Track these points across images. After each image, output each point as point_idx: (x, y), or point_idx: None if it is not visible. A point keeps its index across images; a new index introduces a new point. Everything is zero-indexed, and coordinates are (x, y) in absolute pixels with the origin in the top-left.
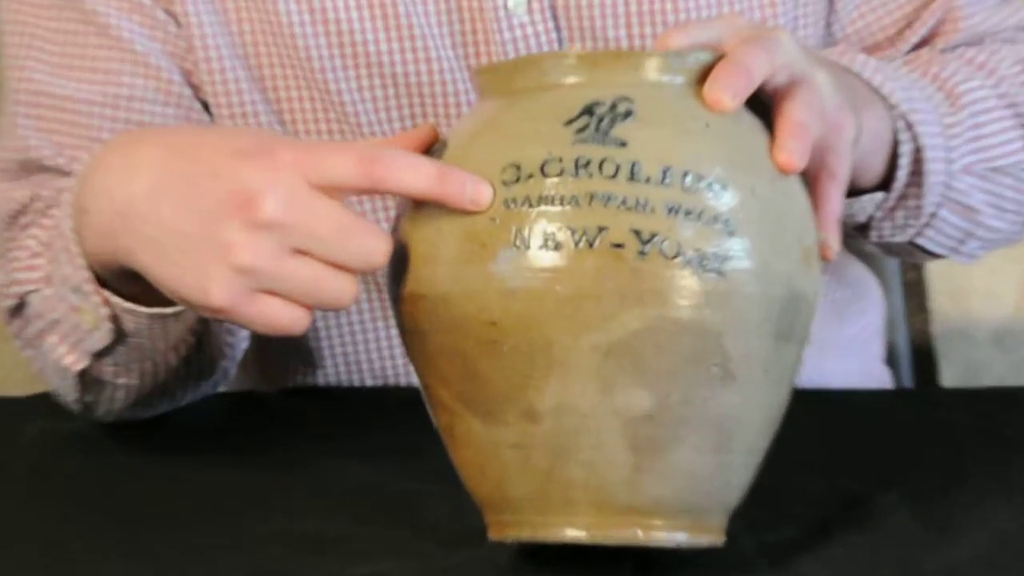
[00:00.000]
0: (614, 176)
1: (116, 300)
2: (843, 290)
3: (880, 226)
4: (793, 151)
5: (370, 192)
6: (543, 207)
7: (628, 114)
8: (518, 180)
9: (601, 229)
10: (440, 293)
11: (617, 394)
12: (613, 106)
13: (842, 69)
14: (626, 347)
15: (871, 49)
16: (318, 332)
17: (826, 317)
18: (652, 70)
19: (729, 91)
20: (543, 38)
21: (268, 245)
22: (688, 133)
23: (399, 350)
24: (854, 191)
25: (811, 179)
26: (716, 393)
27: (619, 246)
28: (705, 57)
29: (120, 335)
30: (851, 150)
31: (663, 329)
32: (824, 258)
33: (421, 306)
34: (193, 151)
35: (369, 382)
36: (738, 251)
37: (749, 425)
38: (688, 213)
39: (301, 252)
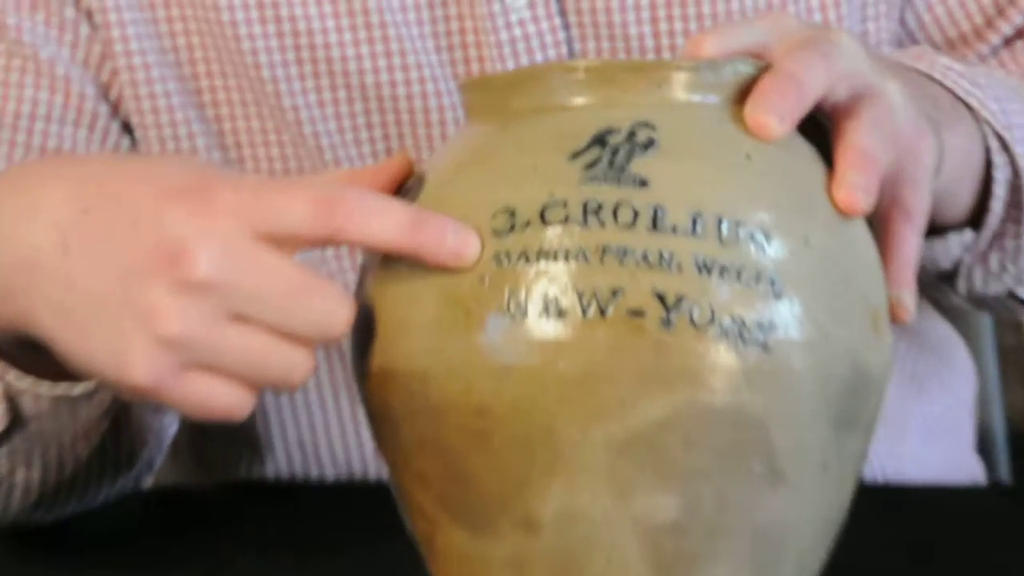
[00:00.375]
0: (632, 224)
1: (12, 376)
2: (924, 359)
3: (970, 274)
4: (856, 187)
5: (329, 243)
6: (543, 263)
7: (649, 144)
8: (512, 229)
9: (615, 292)
10: (416, 371)
11: (636, 499)
12: (631, 134)
13: (919, 76)
14: (647, 440)
15: (953, 44)
16: (267, 414)
17: (902, 393)
18: (680, 87)
19: (776, 113)
20: (548, 38)
21: (201, 311)
22: (724, 168)
23: (367, 437)
24: (936, 229)
25: (881, 219)
26: (760, 496)
27: (638, 313)
28: (746, 69)
29: (17, 419)
30: (931, 180)
31: (693, 417)
32: (897, 321)
33: (392, 386)
34: (109, 190)
35: (331, 476)
36: (788, 318)
37: (801, 535)
38: (724, 271)
39: (243, 319)
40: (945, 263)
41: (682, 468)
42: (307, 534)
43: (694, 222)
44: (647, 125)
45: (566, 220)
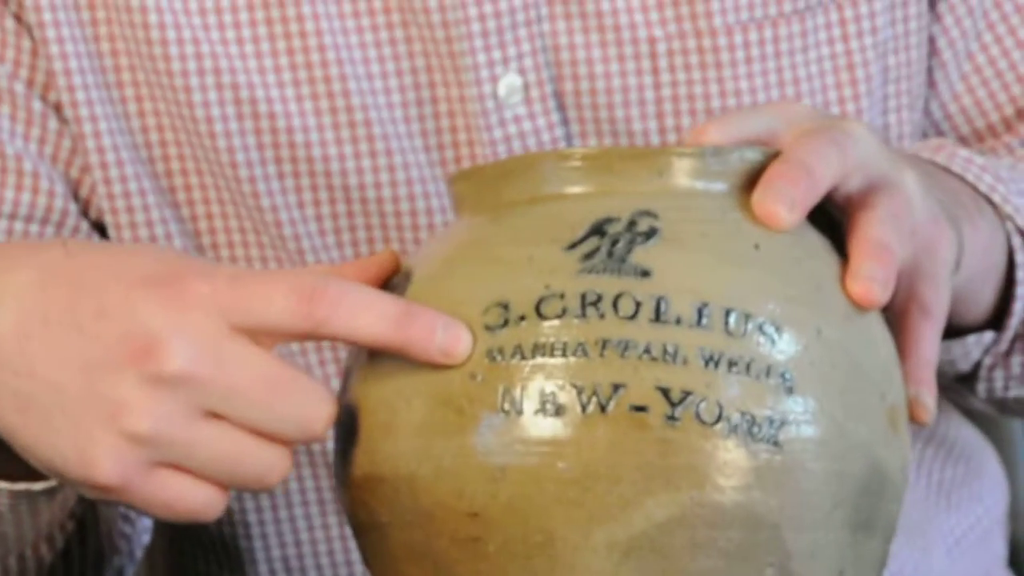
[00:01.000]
0: (633, 317)
1: None
2: (951, 467)
3: (991, 376)
4: (873, 280)
5: (310, 338)
6: (539, 359)
7: (651, 234)
8: (506, 324)
9: (617, 387)
10: (404, 475)
11: None
12: (631, 224)
13: (937, 170)
14: (652, 544)
15: (981, 136)
16: (250, 528)
17: (929, 503)
18: (683, 174)
19: (786, 201)
20: (545, 135)
21: (173, 407)
22: (731, 258)
23: (356, 554)
24: (955, 330)
25: (897, 316)
26: None
27: (641, 409)
28: (753, 156)
29: None
30: (950, 276)
31: (701, 519)
32: (916, 420)
33: (379, 492)
34: (77, 277)
35: None
36: (800, 414)
37: None
38: (733, 364)
39: (217, 415)
40: (964, 365)
41: (689, 571)
42: None
43: (699, 314)
44: (648, 214)
45: (563, 313)
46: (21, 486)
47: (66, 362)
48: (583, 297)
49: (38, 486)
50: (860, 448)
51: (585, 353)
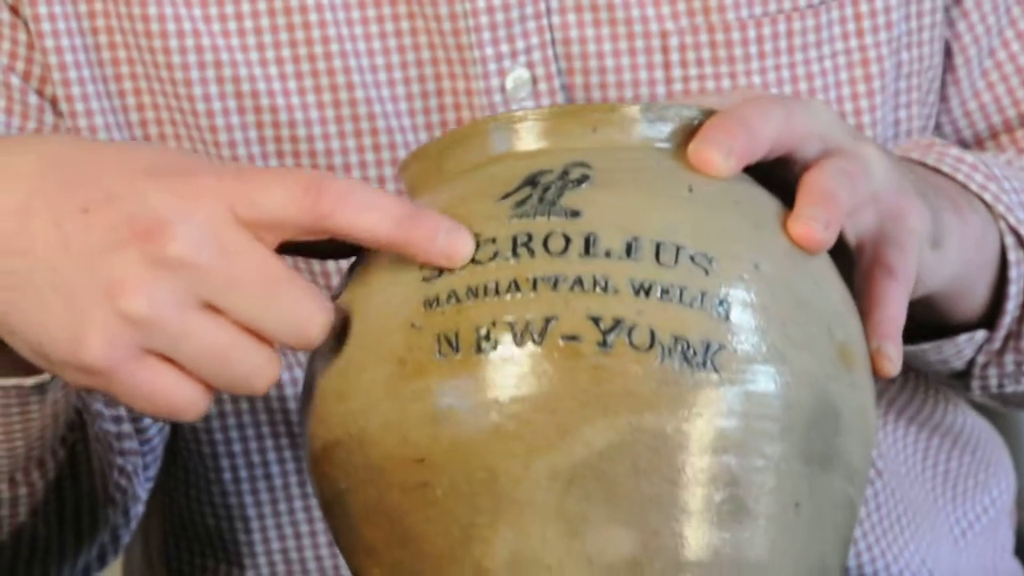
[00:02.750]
0: (563, 252)
1: None
2: (958, 457)
3: (984, 374)
4: (813, 219)
5: (314, 232)
6: (472, 300)
7: (583, 180)
8: (441, 273)
9: (549, 320)
10: (355, 435)
11: (588, 535)
12: (564, 173)
13: (925, 169)
14: (595, 471)
15: (996, 132)
16: (248, 520)
17: (935, 493)
18: (617, 131)
19: (722, 149)
20: None
21: (172, 291)
22: (663, 198)
23: None
24: (949, 327)
25: (861, 278)
26: (727, 532)
27: (573, 338)
28: (690, 113)
29: None
30: (918, 244)
31: (641, 444)
32: (881, 373)
33: (336, 459)
34: (85, 166)
35: None
36: (738, 339)
37: None
38: (665, 292)
39: (213, 307)
40: (958, 363)
41: (634, 498)
42: None
43: (629, 247)
44: (581, 164)
45: (495, 256)
46: (11, 381)
47: (67, 242)
48: (514, 239)
49: (29, 381)
50: (806, 377)
51: (518, 289)
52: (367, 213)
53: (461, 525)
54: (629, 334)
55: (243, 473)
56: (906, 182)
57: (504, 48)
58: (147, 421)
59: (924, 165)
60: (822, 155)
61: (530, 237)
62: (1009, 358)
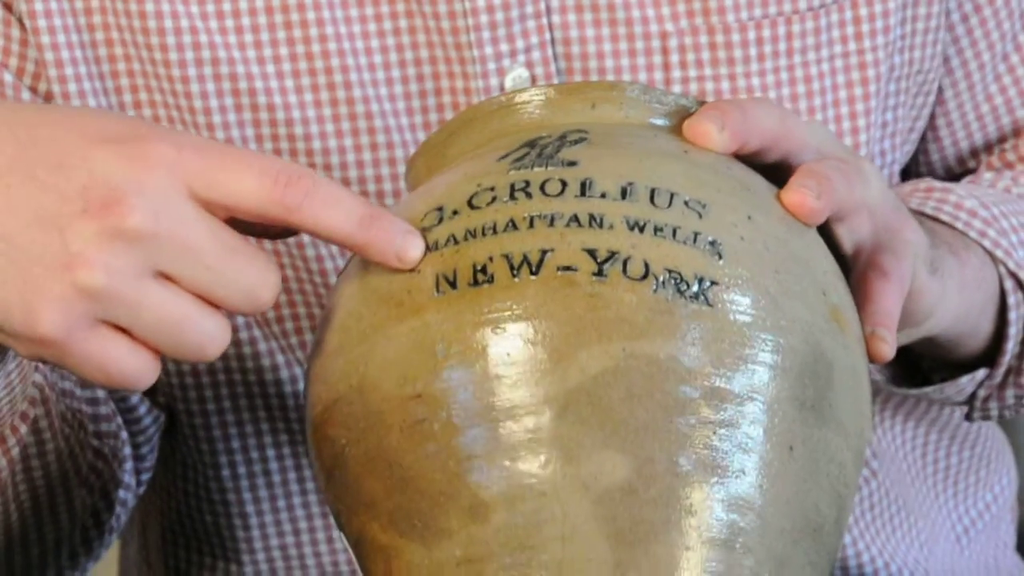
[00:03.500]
0: (560, 194)
1: None
2: (957, 453)
3: (985, 407)
4: (806, 188)
5: (275, 223)
6: (470, 241)
7: (580, 140)
8: (440, 221)
9: (545, 252)
10: (354, 384)
11: (583, 461)
12: (562, 136)
13: (923, 217)
14: (589, 396)
15: (1004, 136)
16: (247, 517)
17: (937, 492)
18: (615, 108)
19: (716, 122)
20: None
21: (128, 263)
22: (658, 155)
23: None
24: (953, 364)
25: (857, 280)
26: (720, 463)
27: (569, 269)
28: (688, 103)
29: None
30: (912, 253)
31: (635, 370)
32: (877, 357)
33: (337, 415)
34: (32, 130)
35: None
36: (730, 277)
37: (768, 522)
38: (659, 230)
39: (168, 277)
40: (959, 399)
41: (628, 424)
42: None
43: (624, 191)
44: (579, 131)
45: (493, 200)
46: None
47: (18, 211)
48: (512, 186)
49: None
50: (798, 324)
51: (515, 227)
52: (331, 211)
53: (458, 459)
54: (624, 265)
55: (242, 470)
56: (901, 204)
57: (503, 47)
58: (135, 401)
59: (923, 214)
60: (819, 158)
61: (527, 183)
62: (1009, 392)
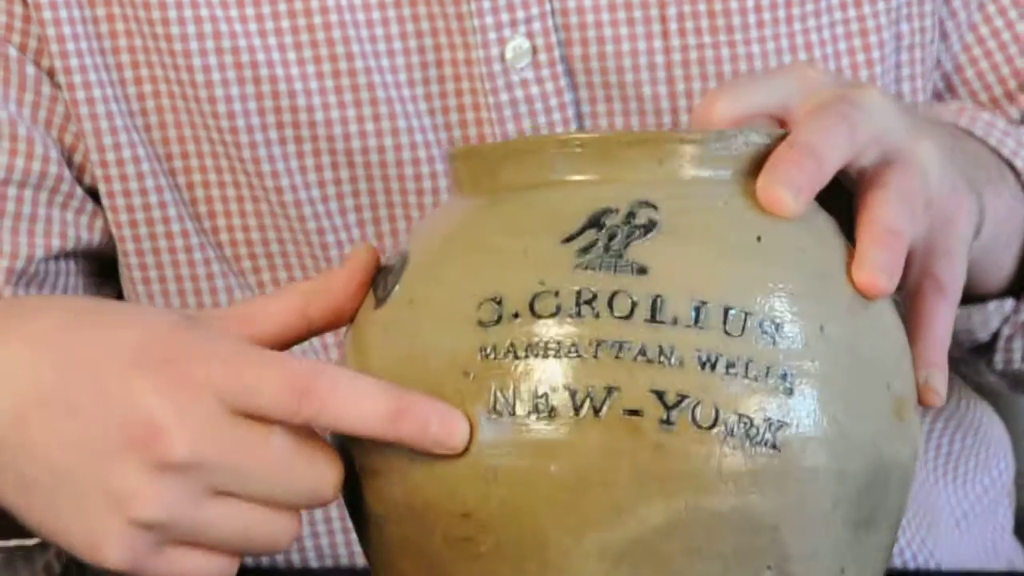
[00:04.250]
0: (628, 317)
1: None
2: (960, 439)
3: (1009, 347)
4: (879, 269)
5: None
6: (532, 359)
7: (650, 227)
8: (499, 320)
9: (611, 390)
10: (397, 472)
11: None
12: (629, 215)
13: (959, 132)
14: (646, 549)
15: (996, 103)
16: None
17: (936, 475)
18: (685, 163)
19: (791, 188)
20: (553, 100)
21: (180, 492)
22: (732, 252)
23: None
24: (972, 297)
25: (911, 294)
26: None
27: (635, 413)
28: (758, 139)
29: None
30: (966, 249)
31: (697, 523)
32: (926, 403)
33: (374, 486)
34: (69, 354)
35: (315, 566)
36: (800, 415)
37: None
38: (731, 366)
39: (225, 493)
40: (983, 334)
41: (684, 575)
42: None
43: (697, 312)
44: (647, 205)
45: (557, 311)
46: (13, 543)
47: (66, 445)
48: (578, 295)
49: (32, 540)
50: (863, 446)
51: (579, 354)
52: (354, 413)
53: None
54: (693, 411)
55: None
56: (957, 175)
57: (504, 17)
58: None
59: (957, 128)
60: (880, 164)
61: (595, 296)
62: None
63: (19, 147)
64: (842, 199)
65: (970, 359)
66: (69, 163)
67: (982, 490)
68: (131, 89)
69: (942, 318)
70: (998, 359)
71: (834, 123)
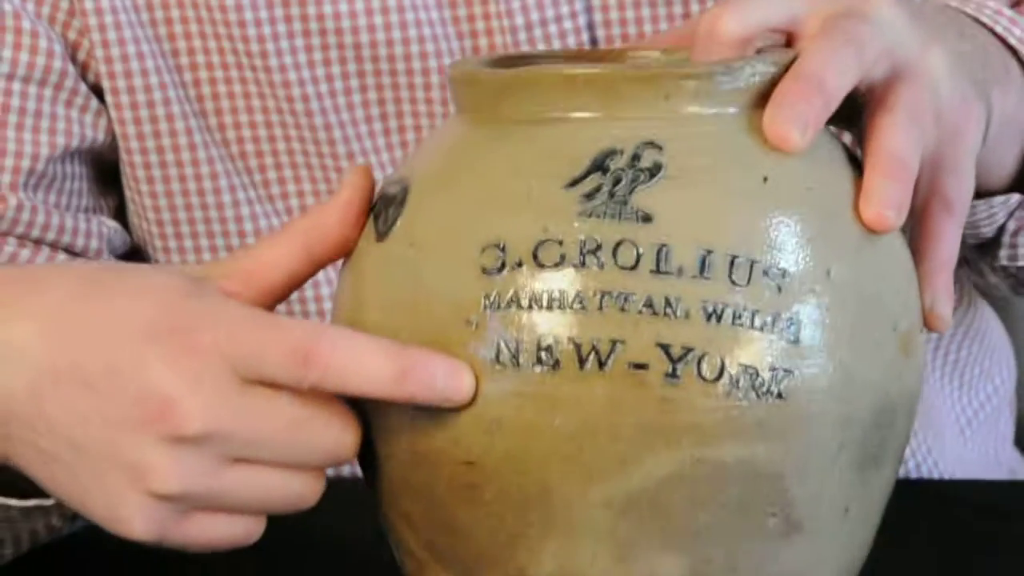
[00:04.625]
0: (634, 267)
1: None
2: (967, 346)
3: (1014, 242)
4: (886, 204)
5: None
6: (536, 310)
7: (655, 171)
8: (502, 268)
9: (615, 343)
10: (399, 416)
11: (639, 560)
12: (635, 158)
13: (966, 21)
14: (651, 499)
15: None
16: None
17: (944, 384)
18: (691, 99)
19: (799, 123)
20: (567, 24)
21: (198, 462)
22: (738, 196)
23: None
24: (978, 195)
25: (918, 210)
26: (775, 550)
27: (641, 367)
28: (765, 68)
29: None
30: (974, 160)
31: (701, 475)
32: (932, 329)
33: (379, 424)
34: (80, 328)
35: None
36: (806, 363)
37: None
38: (737, 317)
39: (244, 459)
40: (988, 230)
41: (689, 527)
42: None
43: (702, 262)
44: (652, 145)
45: (561, 261)
46: (32, 502)
47: (82, 421)
48: (582, 244)
49: (49, 502)
50: (869, 388)
51: (584, 306)
52: (360, 375)
53: (508, 530)
54: (698, 364)
55: None
56: (967, 83)
57: None
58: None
59: (964, 15)
60: (890, 79)
61: (599, 245)
62: None
63: (23, 41)
64: (851, 105)
65: (975, 257)
66: (73, 60)
67: (985, 398)
68: (162, 29)
69: (949, 237)
70: (1003, 254)
71: (841, 46)
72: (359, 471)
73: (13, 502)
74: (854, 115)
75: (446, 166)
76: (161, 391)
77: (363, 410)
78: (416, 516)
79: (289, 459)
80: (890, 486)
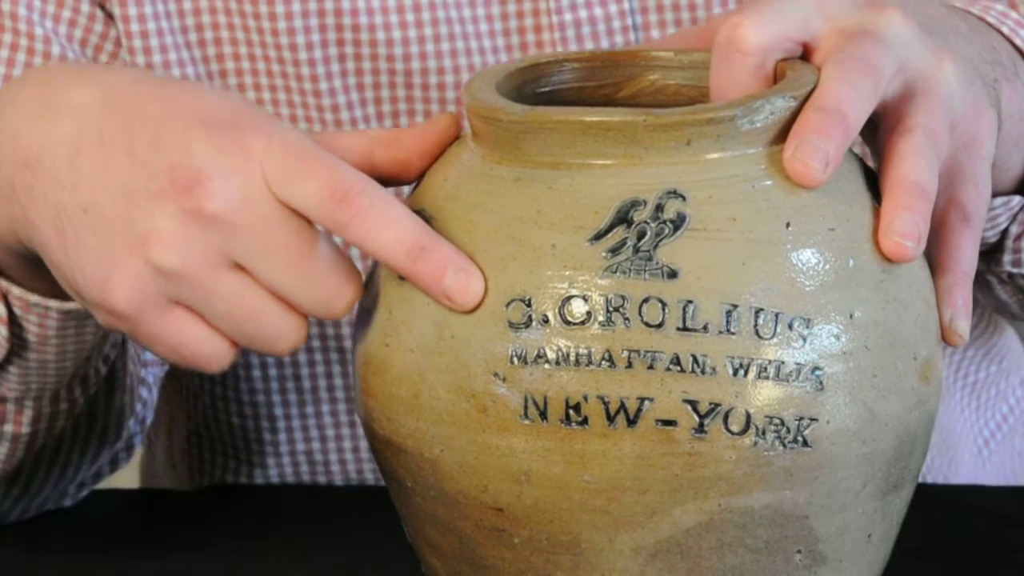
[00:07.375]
0: (660, 325)
1: (19, 292)
2: (986, 368)
3: (1017, 247)
4: (905, 236)
5: (328, 230)
6: (564, 367)
7: (678, 223)
8: (529, 323)
9: (643, 400)
10: (427, 456)
11: None
12: (658, 208)
13: (974, 22)
14: (679, 546)
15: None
16: (275, 420)
17: (961, 406)
18: (712, 143)
19: (819, 157)
20: (616, 23)
21: (204, 247)
22: (762, 243)
23: None
24: None
25: (936, 220)
26: None
27: (669, 423)
28: (784, 104)
29: (19, 345)
30: (989, 169)
31: (729, 522)
32: (950, 344)
33: (402, 460)
34: (139, 104)
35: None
36: (830, 410)
37: None
38: (762, 371)
39: (244, 268)
40: (989, 234)
41: (716, 569)
42: (292, 536)
43: (728, 318)
44: (675, 195)
45: (588, 319)
46: (71, 305)
47: (110, 183)
48: (608, 302)
49: (82, 307)
50: (891, 423)
51: (612, 363)
52: (380, 234)
53: (537, 572)
54: (725, 418)
55: (272, 372)
56: (980, 89)
57: None
58: None
59: (971, 15)
60: (904, 95)
61: (624, 300)
62: None
63: (36, 47)
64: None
65: (980, 267)
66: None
67: (1001, 417)
68: (189, 20)
69: (967, 248)
70: (1006, 259)
71: (858, 77)
72: (382, 480)
73: (53, 303)
74: (867, 128)
75: (468, 207)
76: (197, 166)
77: (385, 447)
78: (444, 547)
79: (286, 285)
80: (907, 502)
